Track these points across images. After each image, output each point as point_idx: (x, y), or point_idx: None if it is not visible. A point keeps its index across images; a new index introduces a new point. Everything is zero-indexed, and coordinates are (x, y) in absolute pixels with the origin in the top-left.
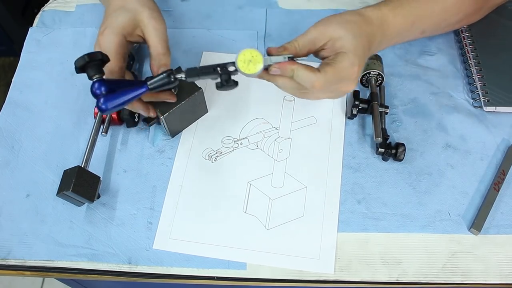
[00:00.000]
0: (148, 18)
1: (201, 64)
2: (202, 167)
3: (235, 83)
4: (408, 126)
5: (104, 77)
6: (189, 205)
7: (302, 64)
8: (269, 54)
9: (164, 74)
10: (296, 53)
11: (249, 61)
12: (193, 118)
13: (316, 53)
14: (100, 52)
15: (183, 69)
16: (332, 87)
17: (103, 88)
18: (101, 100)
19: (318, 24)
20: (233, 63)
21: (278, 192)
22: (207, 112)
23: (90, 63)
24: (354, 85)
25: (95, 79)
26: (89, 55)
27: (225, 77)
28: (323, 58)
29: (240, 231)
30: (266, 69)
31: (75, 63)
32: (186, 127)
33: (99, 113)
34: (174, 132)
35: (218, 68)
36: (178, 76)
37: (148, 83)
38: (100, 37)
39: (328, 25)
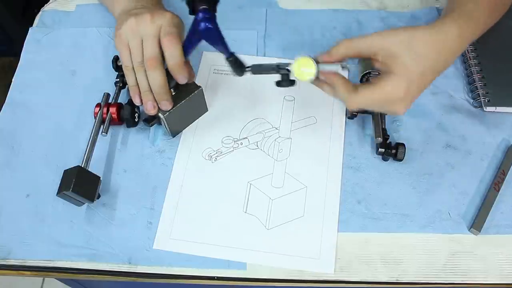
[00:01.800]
0: None
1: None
2: (202, 167)
3: (292, 82)
4: (408, 126)
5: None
6: (189, 205)
7: (342, 80)
8: (317, 62)
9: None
10: (346, 54)
11: (304, 67)
12: (193, 117)
13: (373, 63)
14: None
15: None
16: (374, 106)
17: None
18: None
19: (383, 32)
20: (289, 69)
21: (278, 192)
22: (207, 110)
23: None
24: (403, 107)
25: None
26: None
27: (285, 76)
28: (377, 70)
29: (240, 231)
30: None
31: None
32: (187, 127)
33: (99, 113)
34: (174, 132)
35: (279, 68)
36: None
37: (228, 58)
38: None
39: (388, 37)
